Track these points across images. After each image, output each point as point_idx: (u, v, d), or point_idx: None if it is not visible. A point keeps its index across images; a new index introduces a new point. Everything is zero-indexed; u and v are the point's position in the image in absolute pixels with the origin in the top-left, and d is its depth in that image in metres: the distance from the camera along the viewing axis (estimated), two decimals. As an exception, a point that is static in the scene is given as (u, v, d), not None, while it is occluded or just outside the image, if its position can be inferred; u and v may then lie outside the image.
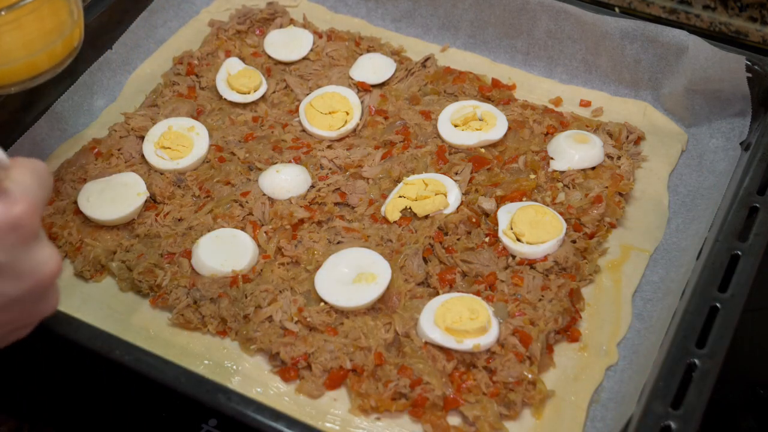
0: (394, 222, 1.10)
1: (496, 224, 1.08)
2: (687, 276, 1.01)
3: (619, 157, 1.18)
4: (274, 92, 1.31)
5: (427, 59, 1.33)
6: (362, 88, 1.29)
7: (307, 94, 1.28)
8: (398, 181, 1.15)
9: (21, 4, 0.96)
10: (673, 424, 0.82)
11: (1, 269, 0.69)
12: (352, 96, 1.26)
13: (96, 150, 1.20)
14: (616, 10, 1.49)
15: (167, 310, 1.03)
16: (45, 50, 1.03)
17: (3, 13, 0.96)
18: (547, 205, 1.10)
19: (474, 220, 1.10)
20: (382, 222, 1.11)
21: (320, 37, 1.38)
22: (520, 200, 1.11)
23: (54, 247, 0.74)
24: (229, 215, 1.11)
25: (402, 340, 0.97)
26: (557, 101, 1.29)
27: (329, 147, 1.22)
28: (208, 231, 1.08)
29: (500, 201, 1.11)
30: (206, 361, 0.97)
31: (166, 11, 1.40)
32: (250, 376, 0.96)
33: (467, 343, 0.94)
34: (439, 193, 1.11)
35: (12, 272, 0.70)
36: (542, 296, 1.01)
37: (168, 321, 1.02)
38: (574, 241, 1.07)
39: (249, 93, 1.28)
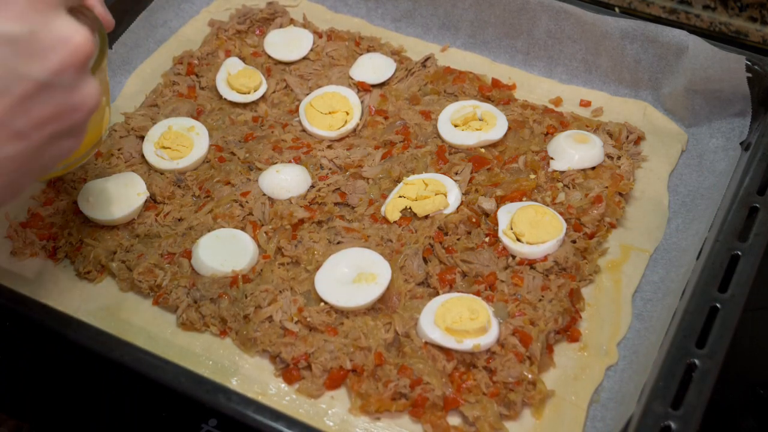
0: (394, 222, 1.10)
1: (496, 224, 1.08)
2: (687, 276, 1.01)
3: (619, 157, 1.18)
4: (274, 92, 1.31)
5: (427, 59, 1.33)
6: (362, 88, 1.29)
7: (307, 94, 1.28)
8: (398, 181, 1.15)
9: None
10: (673, 424, 0.82)
11: (22, 44, 0.61)
12: (352, 96, 1.26)
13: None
14: (616, 10, 1.49)
15: (168, 310, 1.03)
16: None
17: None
18: (547, 205, 1.10)
19: (474, 220, 1.10)
20: (382, 222, 1.11)
21: (320, 36, 1.38)
22: (520, 200, 1.11)
23: (77, 22, 0.66)
24: (229, 215, 1.11)
25: (402, 340, 0.97)
26: (557, 101, 1.29)
27: (329, 147, 1.22)
28: (208, 231, 1.08)
29: (500, 201, 1.11)
30: (206, 361, 0.97)
31: (166, 11, 1.40)
32: (250, 376, 0.96)
33: (467, 343, 0.94)
34: (439, 193, 1.11)
35: (32, 47, 0.61)
36: (542, 296, 1.01)
37: (168, 321, 1.02)
38: (574, 241, 1.07)
39: (249, 93, 1.28)
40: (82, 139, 0.73)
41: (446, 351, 0.95)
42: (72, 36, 0.64)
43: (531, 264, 1.05)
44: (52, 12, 0.63)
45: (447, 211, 1.10)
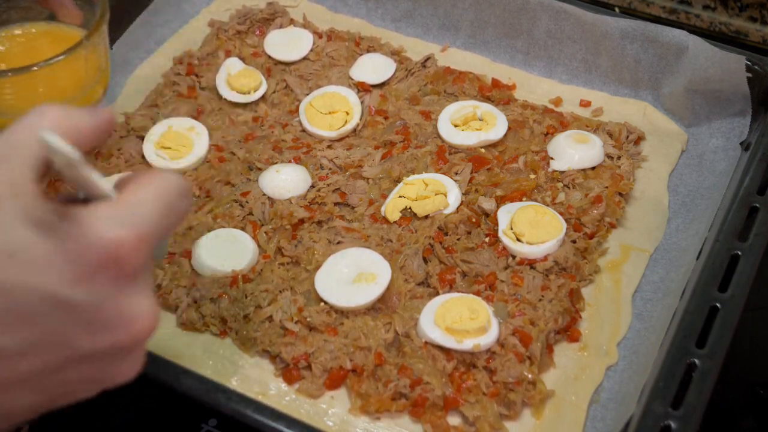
0: (394, 222, 1.10)
1: (496, 224, 1.08)
2: (687, 276, 1.01)
3: (619, 157, 1.18)
4: (274, 92, 1.31)
5: (427, 59, 1.33)
6: (362, 88, 1.29)
7: (307, 94, 1.28)
8: (398, 181, 1.15)
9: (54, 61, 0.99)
10: (673, 424, 0.82)
11: (80, 312, 0.55)
12: (352, 96, 1.26)
13: (96, 150, 1.20)
14: (616, 10, 1.49)
15: (168, 310, 1.03)
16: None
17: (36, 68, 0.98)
18: (547, 205, 1.10)
19: (474, 220, 1.10)
20: (382, 222, 1.11)
21: (320, 37, 1.38)
22: (520, 200, 1.11)
23: (154, 299, 0.60)
24: (229, 215, 1.11)
25: (402, 340, 0.97)
26: (557, 101, 1.29)
27: (329, 147, 1.22)
28: (208, 231, 1.08)
29: (500, 201, 1.11)
30: (206, 361, 0.97)
31: (166, 11, 1.40)
32: (250, 376, 0.96)
33: (467, 343, 0.94)
34: (439, 193, 1.11)
35: (92, 319, 0.56)
36: (542, 296, 1.01)
37: (168, 321, 1.02)
38: (574, 241, 1.07)
39: (249, 93, 1.28)
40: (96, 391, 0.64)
41: (446, 351, 0.95)
42: (138, 318, 0.58)
43: (531, 264, 1.05)
44: (129, 284, 0.56)
45: (447, 211, 1.10)
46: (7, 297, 0.53)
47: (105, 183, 0.59)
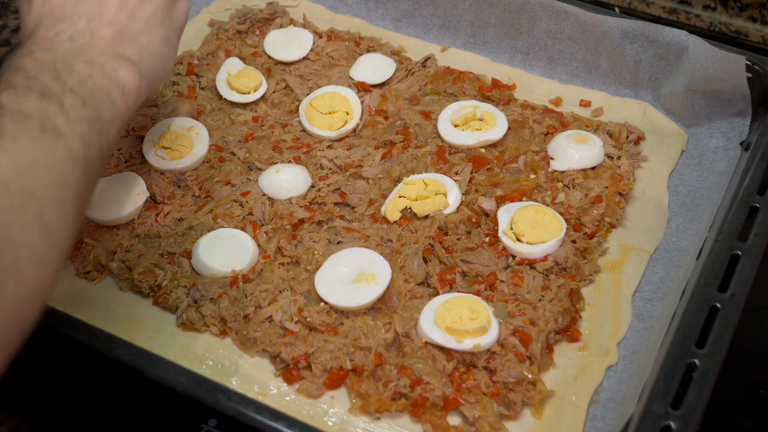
0: (394, 222, 1.10)
1: (496, 224, 1.08)
2: (687, 276, 1.01)
3: (619, 157, 1.18)
4: (274, 92, 1.31)
5: (427, 59, 1.33)
6: (362, 88, 1.29)
7: (307, 94, 1.28)
8: (398, 181, 1.15)
9: None
10: (673, 424, 0.82)
11: None
12: (352, 96, 1.26)
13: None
14: (616, 10, 1.49)
15: (168, 311, 1.03)
16: None
17: None
18: (547, 205, 1.10)
19: (474, 220, 1.10)
20: (382, 222, 1.11)
21: (320, 37, 1.38)
22: (520, 200, 1.11)
23: None
24: (229, 215, 1.11)
25: (402, 340, 0.97)
26: (557, 101, 1.29)
27: (329, 147, 1.22)
28: (208, 231, 1.08)
29: (500, 201, 1.11)
30: (206, 361, 0.97)
31: (166, 11, 1.40)
32: (250, 376, 0.96)
33: (467, 343, 0.94)
34: (439, 193, 1.11)
35: None
36: (542, 296, 1.01)
37: (168, 321, 1.02)
38: (574, 241, 1.07)
39: (249, 93, 1.29)
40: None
41: (446, 351, 0.95)
42: None
43: (531, 264, 1.05)
44: None
45: (447, 211, 1.10)
46: None
47: None
